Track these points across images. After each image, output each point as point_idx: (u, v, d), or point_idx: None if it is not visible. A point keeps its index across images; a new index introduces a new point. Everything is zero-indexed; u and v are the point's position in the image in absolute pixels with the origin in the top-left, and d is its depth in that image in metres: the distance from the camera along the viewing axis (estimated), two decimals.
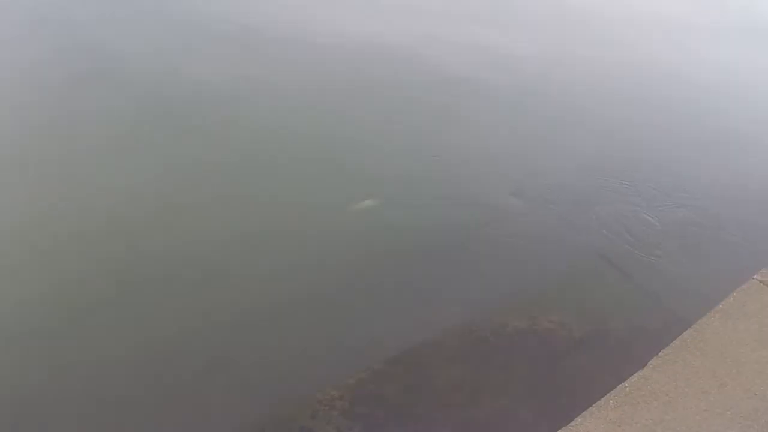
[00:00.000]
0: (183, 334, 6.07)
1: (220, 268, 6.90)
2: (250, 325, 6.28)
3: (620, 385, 5.24)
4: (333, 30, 14.17)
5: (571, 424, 4.85)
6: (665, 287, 7.37)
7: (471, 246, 7.68)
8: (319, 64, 12.43)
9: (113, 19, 13.34)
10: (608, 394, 5.14)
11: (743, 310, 6.21)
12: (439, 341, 6.29)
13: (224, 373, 5.75)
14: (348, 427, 5.28)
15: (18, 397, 5.38)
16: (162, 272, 6.78)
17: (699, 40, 18.25)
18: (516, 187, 8.92)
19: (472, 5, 17.89)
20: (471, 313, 6.68)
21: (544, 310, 6.78)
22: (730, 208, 9.25)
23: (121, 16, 13.50)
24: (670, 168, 10.25)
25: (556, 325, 6.59)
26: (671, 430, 4.80)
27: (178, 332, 6.08)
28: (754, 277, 6.71)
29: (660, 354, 5.63)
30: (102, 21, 13.08)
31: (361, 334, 6.34)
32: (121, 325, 6.13)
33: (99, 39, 12.08)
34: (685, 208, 9.08)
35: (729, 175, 10.41)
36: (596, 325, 6.70)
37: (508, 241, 7.87)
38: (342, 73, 12.22)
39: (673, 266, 7.76)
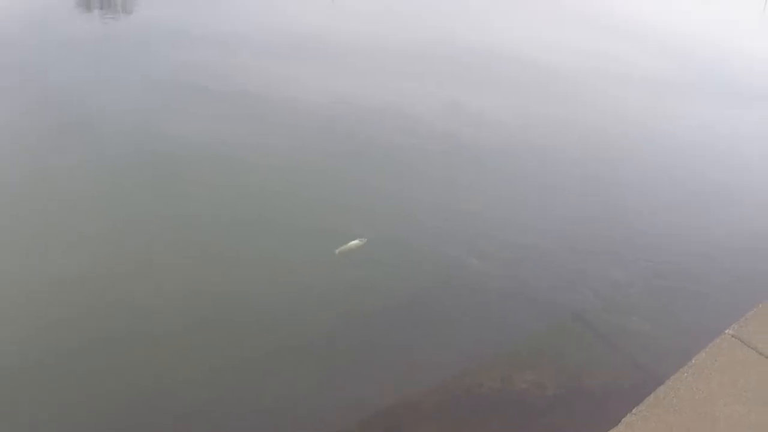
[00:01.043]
0: (157, 390, 5.96)
1: (195, 324, 6.84)
2: (222, 382, 6.19)
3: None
4: (311, 88, 14.39)
5: None
6: (638, 344, 7.36)
7: (442, 306, 7.67)
8: (298, 121, 12.56)
9: (92, 75, 13.45)
10: None
11: (716, 365, 6.21)
12: (412, 402, 6.19)
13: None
14: None
15: None
16: (139, 327, 6.72)
17: (672, 98, 18.72)
18: (486, 247, 8.94)
19: (445, 66, 18.18)
20: (444, 373, 6.60)
21: (518, 370, 6.73)
22: (701, 264, 9.34)
23: (96, 71, 13.61)
24: (640, 225, 10.37)
25: (530, 385, 6.53)
26: None
27: (151, 388, 5.97)
28: (726, 331, 6.73)
29: (634, 411, 5.59)
30: (80, 77, 13.18)
31: (331, 394, 6.23)
32: (96, 377, 6.08)
33: (75, 94, 12.21)
34: (655, 264, 9.14)
35: (699, 231, 10.54)
36: (570, 383, 6.65)
37: (480, 301, 7.87)
38: (320, 131, 12.33)
39: (645, 323, 7.76)
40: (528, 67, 19.38)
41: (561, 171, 12.32)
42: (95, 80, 13.29)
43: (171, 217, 8.69)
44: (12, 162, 9.76)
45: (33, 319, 6.69)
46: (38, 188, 9.15)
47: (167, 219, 8.65)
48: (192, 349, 6.54)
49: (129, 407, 5.76)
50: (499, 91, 16.95)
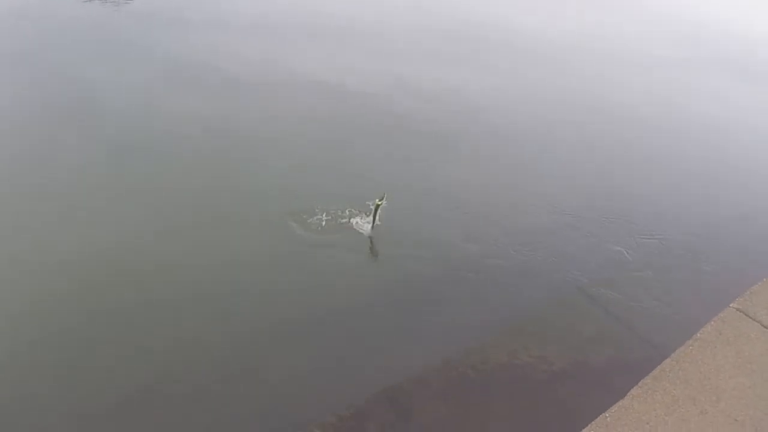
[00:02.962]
0: (163, 377, 5.97)
1: (196, 311, 6.85)
2: (230, 365, 6.20)
3: (601, 415, 5.19)
4: (302, 71, 14.37)
5: None
6: (643, 318, 7.36)
7: (450, 284, 7.66)
8: (291, 103, 12.55)
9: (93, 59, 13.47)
10: (589, 425, 5.09)
11: (721, 338, 6.21)
12: (420, 378, 6.20)
13: (205, 413, 5.65)
14: None
15: None
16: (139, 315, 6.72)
17: (676, 76, 18.67)
18: (494, 227, 8.95)
19: (439, 46, 18.14)
20: (451, 350, 6.61)
21: (524, 345, 6.74)
22: (704, 240, 9.34)
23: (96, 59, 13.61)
24: (643, 203, 10.37)
25: (535, 359, 6.54)
26: None
27: (156, 376, 5.97)
28: (731, 305, 6.73)
29: (640, 384, 5.60)
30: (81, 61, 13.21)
31: (341, 372, 6.24)
32: (99, 365, 6.07)
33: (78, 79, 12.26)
34: (660, 241, 9.13)
35: (702, 207, 10.55)
36: (576, 357, 6.66)
37: (488, 279, 7.87)
38: (311, 112, 12.35)
39: (650, 297, 7.75)
40: (530, 47, 19.42)
41: (564, 150, 12.30)
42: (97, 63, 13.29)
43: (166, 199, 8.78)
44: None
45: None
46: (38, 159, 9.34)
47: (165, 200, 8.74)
48: (200, 332, 6.59)
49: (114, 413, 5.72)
50: (499, 72, 16.90)
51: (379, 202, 7.96)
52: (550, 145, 12.49)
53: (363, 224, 8.25)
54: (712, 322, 6.50)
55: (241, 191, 9.16)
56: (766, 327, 6.39)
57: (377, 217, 8.01)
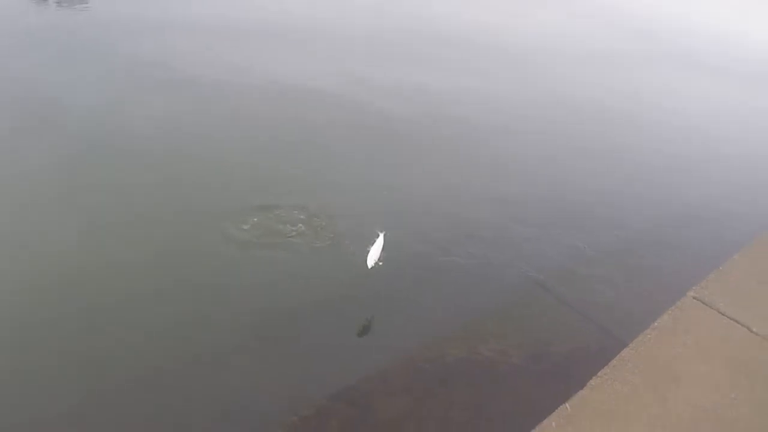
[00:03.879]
0: (124, 386, 5.72)
1: (157, 312, 6.61)
2: (191, 371, 5.98)
3: (561, 406, 5.10)
4: (267, 72, 14.19)
5: None
6: (601, 309, 7.34)
7: (407, 282, 7.53)
8: (252, 105, 12.36)
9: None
10: (550, 416, 4.99)
11: (678, 326, 6.18)
12: (380, 375, 6.08)
13: (168, 419, 5.46)
14: None
15: None
16: (94, 323, 6.43)
17: (632, 69, 18.89)
18: (449, 224, 8.87)
19: (401, 48, 18.09)
20: (410, 346, 6.50)
21: (483, 339, 6.66)
22: (661, 230, 9.38)
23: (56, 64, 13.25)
24: (600, 196, 10.38)
25: (495, 353, 6.45)
26: None
27: (117, 383, 5.73)
28: (688, 293, 6.71)
29: (599, 374, 5.52)
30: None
31: (302, 372, 6.10)
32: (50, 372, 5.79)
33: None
34: (617, 233, 9.14)
35: (657, 200, 10.59)
36: (536, 350, 6.60)
37: (444, 276, 7.77)
38: (272, 113, 12.17)
39: (608, 289, 7.74)
40: (496, 49, 19.50)
41: (520, 145, 12.31)
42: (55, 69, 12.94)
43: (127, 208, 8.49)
44: None
45: None
46: None
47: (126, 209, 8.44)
48: (159, 339, 6.35)
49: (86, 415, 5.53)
50: (456, 72, 16.90)
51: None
52: (506, 140, 12.52)
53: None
54: (670, 311, 6.47)
55: (185, 192, 8.94)
56: (722, 314, 6.37)
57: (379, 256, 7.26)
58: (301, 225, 8.16)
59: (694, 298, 6.66)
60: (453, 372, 6.20)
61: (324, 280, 7.38)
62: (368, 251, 6.83)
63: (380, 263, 6.91)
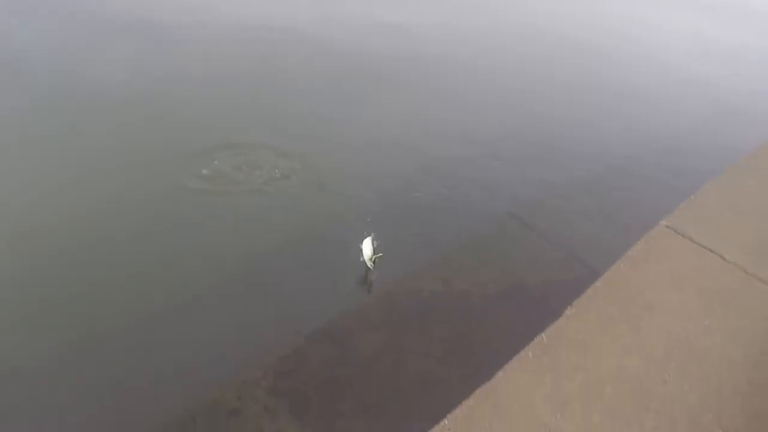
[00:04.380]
0: (103, 330, 5.63)
1: (134, 259, 6.51)
2: (169, 315, 5.87)
3: (538, 336, 5.11)
4: (234, 13, 13.80)
5: (493, 378, 4.70)
6: (575, 240, 7.34)
7: (379, 218, 7.39)
8: (218, 46, 12.10)
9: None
10: (527, 347, 5.01)
11: (651, 255, 6.20)
12: (358, 312, 6.03)
13: (148, 365, 5.37)
14: (274, 404, 5.02)
15: None
16: (74, 270, 6.32)
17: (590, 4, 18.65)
18: (419, 160, 8.77)
19: None
20: (387, 282, 6.44)
21: (458, 272, 6.64)
22: (634, 161, 9.37)
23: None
24: (572, 131, 10.31)
25: (470, 285, 6.44)
26: (591, 375, 4.70)
27: (99, 328, 5.64)
28: (661, 222, 6.72)
29: (574, 304, 5.54)
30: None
31: (279, 314, 6.02)
32: (42, 319, 5.74)
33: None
34: (589, 165, 9.11)
35: (629, 133, 10.56)
36: (511, 281, 6.59)
37: (417, 212, 7.69)
38: (242, 53, 11.87)
39: (582, 220, 7.74)
40: None
41: (491, 79, 12.17)
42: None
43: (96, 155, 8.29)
44: None
45: None
46: None
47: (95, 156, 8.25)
48: (136, 285, 6.25)
49: (78, 352, 5.43)
50: (428, 8, 16.57)
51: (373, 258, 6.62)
52: (477, 76, 12.38)
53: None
54: (642, 241, 6.48)
55: (148, 135, 8.79)
56: (695, 242, 6.40)
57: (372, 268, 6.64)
58: (269, 166, 8.03)
59: (667, 227, 6.67)
60: (430, 305, 6.17)
61: (295, 222, 7.27)
62: (361, 251, 6.48)
63: (379, 255, 6.47)
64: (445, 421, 4.33)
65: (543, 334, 5.13)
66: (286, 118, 9.41)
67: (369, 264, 6.34)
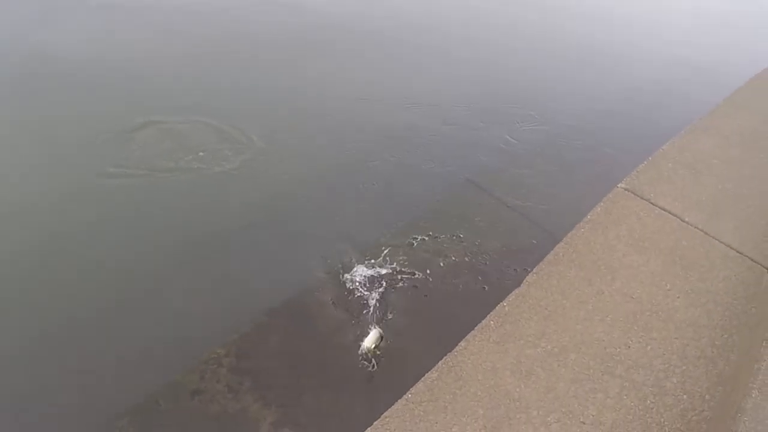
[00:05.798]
0: (58, 309, 5.39)
1: (87, 248, 6.16)
2: (125, 294, 5.64)
3: (499, 305, 4.94)
4: None
5: (455, 349, 4.52)
6: (534, 205, 7.19)
7: (331, 190, 7.21)
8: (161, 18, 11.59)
9: None
10: (489, 316, 4.83)
11: (611, 218, 6.05)
12: (316, 285, 5.83)
13: (110, 351, 5.10)
14: (238, 382, 4.83)
15: None
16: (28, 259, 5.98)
17: None
18: (376, 128, 8.53)
19: None
20: (343, 252, 6.24)
21: (416, 239, 6.46)
22: (591, 124, 9.23)
23: None
24: (527, 92, 10.15)
25: (430, 253, 6.26)
26: (554, 342, 4.55)
27: (56, 318, 5.34)
28: (619, 185, 6.58)
29: (535, 270, 5.36)
30: None
31: (238, 290, 5.80)
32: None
33: None
34: (546, 128, 8.95)
35: (587, 92, 10.42)
36: (470, 248, 6.43)
37: (369, 179, 7.46)
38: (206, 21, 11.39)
39: (541, 184, 7.61)
40: None
41: (446, 43, 11.91)
42: None
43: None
44: None
45: None
46: None
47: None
48: (93, 261, 5.97)
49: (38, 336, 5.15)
50: None
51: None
52: (432, 39, 12.07)
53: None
54: (602, 204, 6.33)
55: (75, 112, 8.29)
56: (654, 204, 6.27)
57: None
58: (213, 141, 7.69)
59: (626, 189, 6.53)
60: (390, 275, 5.98)
61: (249, 199, 6.98)
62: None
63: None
64: (408, 394, 4.14)
65: (504, 302, 4.96)
66: (230, 90, 9.03)
67: (367, 353, 5.37)
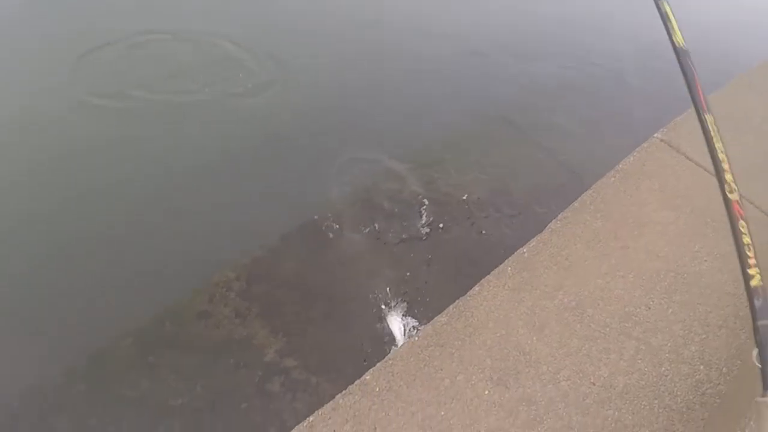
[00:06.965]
0: (73, 229, 5.20)
1: (101, 160, 5.92)
2: (138, 214, 5.42)
3: (518, 251, 4.72)
4: None
5: (468, 293, 4.33)
6: (565, 147, 6.82)
7: (358, 117, 6.86)
8: None
9: None
10: (506, 261, 4.62)
11: (644, 170, 5.74)
12: (333, 213, 5.58)
13: (116, 266, 4.96)
14: (246, 308, 4.67)
15: None
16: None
17: None
18: (404, 58, 8.09)
19: None
20: (366, 180, 5.99)
21: (440, 174, 6.18)
22: (631, 66, 8.72)
23: None
24: (564, 28, 9.60)
25: (452, 187, 5.99)
26: (572, 295, 4.34)
27: (68, 232, 5.18)
28: (655, 135, 6.23)
29: (559, 216, 5.12)
30: None
31: (253, 213, 5.57)
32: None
33: None
34: (583, 67, 8.49)
35: (631, 33, 9.84)
36: (495, 186, 6.14)
37: (392, 108, 7.09)
38: None
39: (573, 125, 7.22)
40: None
41: None
42: None
43: None
44: None
45: None
46: None
47: None
48: (107, 183, 5.81)
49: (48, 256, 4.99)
50: None
51: None
52: None
53: None
54: (636, 153, 6.00)
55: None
56: (690, 159, 5.94)
57: None
58: (224, 60, 7.30)
59: (662, 140, 6.19)
60: (409, 209, 5.74)
61: (278, 119, 6.66)
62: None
63: None
64: (415, 337, 3.98)
65: (524, 248, 4.74)
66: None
67: None
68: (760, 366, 1.59)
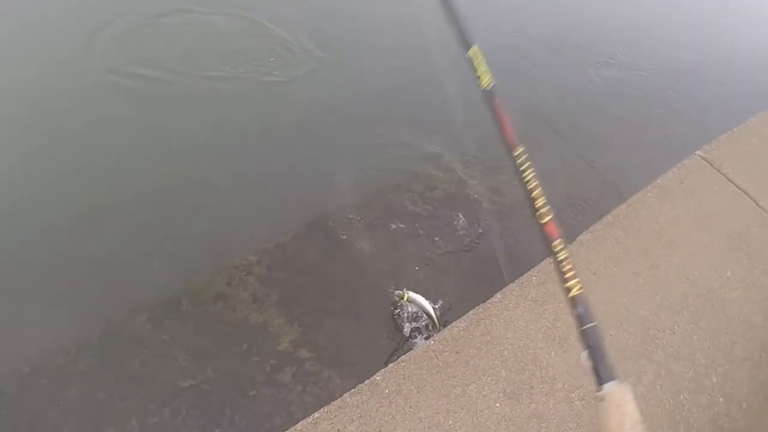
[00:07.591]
0: (97, 201, 5.11)
1: (133, 141, 5.81)
2: (165, 193, 5.32)
3: (544, 260, 4.61)
4: None
5: (489, 300, 4.23)
6: (603, 155, 6.62)
7: (394, 108, 6.69)
8: None
9: None
10: (531, 270, 4.52)
11: (682, 188, 5.57)
12: (361, 206, 5.46)
13: (138, 240, 4.89)
14: (264, 293, 4.59)
15: None
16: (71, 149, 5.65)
17: None
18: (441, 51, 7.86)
19: None
20: (399, 176, 5.86)
21: (474, 174, 6.03)
22: (679, 77, 8.45)
23: None
24: (615, 33, 9.31)
25: (486, 189, 5.86)
26: (595, 312, 4.21)
27: (92, 205, 5.08)
28: (697, 152, 6.05)
29: (590, 228, 4.99)
30: None
31: (280, 199, 5.48)
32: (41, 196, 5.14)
33: None
34: (630, 75, 8.25)
35: (683, 40, 9.56)
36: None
37: (431, 103, 6.88)
38: None
39: (614, 133, 7.03)
40: None
41: None
42: None
43: None
44: None
45: None
46: None
47: None
48: (134, 165, 5.73)
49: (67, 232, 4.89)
50: None
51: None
52: None
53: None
54: (675, 169, 5.83)
55: None
56: (730, 180, 5.75)
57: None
58: (258, 43, 7.09)
59: (703, 158, 6.00)
60: (439, 210, 5.59)
61: (315, 105, 6.48)
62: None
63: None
64: (431, 341, 3.90)
65: (551, 258, 4.61)
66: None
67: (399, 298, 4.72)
68: (591, 364, 1.70)
